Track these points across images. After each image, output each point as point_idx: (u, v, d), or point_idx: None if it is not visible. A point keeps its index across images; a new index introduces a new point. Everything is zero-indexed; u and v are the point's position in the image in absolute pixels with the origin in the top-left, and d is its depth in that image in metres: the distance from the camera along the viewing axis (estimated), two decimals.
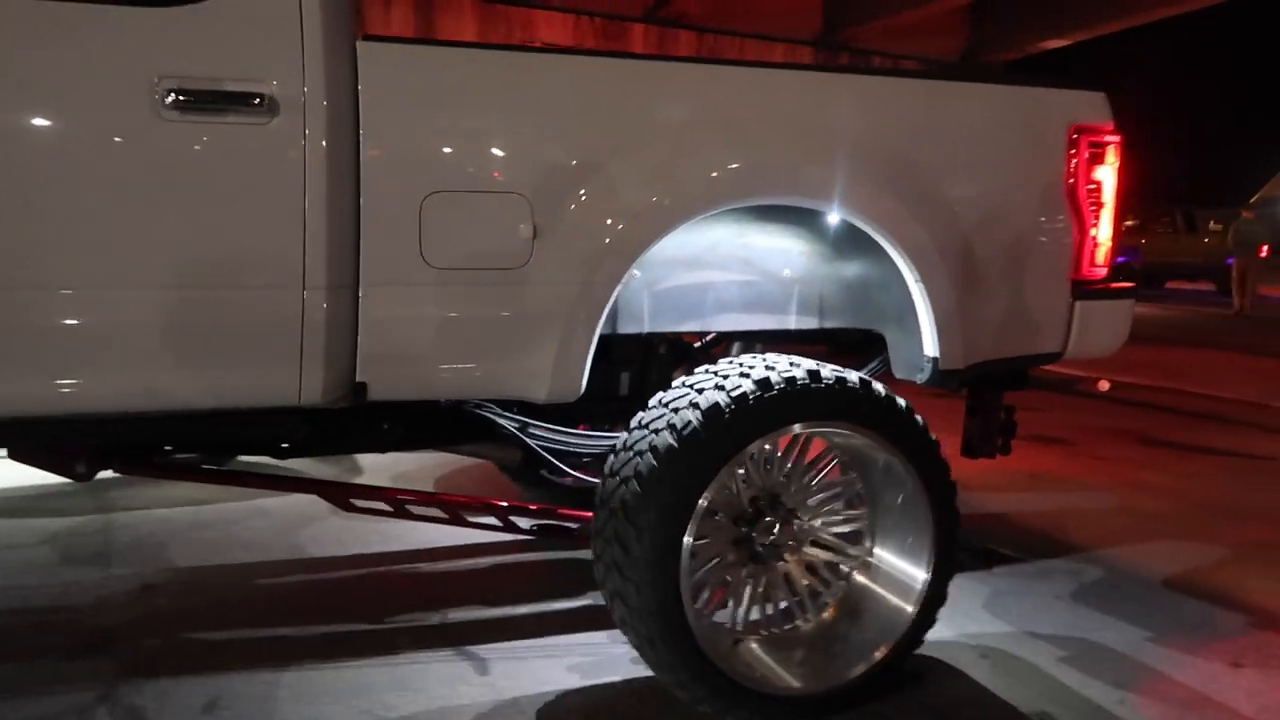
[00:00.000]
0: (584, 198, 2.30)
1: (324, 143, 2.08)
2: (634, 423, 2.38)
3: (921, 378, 2.78)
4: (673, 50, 15.04)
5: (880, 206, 2.57)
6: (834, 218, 2.63)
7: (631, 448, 2.30)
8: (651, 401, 2.40)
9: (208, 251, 2.07)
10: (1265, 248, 16.47)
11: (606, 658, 2.75)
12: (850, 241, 2.76)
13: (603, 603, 2.40)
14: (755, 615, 2.56)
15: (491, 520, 2.84)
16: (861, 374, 2.44)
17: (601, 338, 2.51)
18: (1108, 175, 2.85)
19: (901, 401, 2.44)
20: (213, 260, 2.08)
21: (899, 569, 2.58)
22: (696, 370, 2.42)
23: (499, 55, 2.35)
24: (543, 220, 2.27)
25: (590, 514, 2.47)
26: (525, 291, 2.28)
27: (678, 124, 2.45)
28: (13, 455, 2.48)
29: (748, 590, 2.51)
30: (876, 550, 2.63)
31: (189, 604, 3.08)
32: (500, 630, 2.93)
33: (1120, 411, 6.87)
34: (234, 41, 2.05)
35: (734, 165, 2.48)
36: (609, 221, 2.32)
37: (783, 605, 2.58)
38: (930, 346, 2.69)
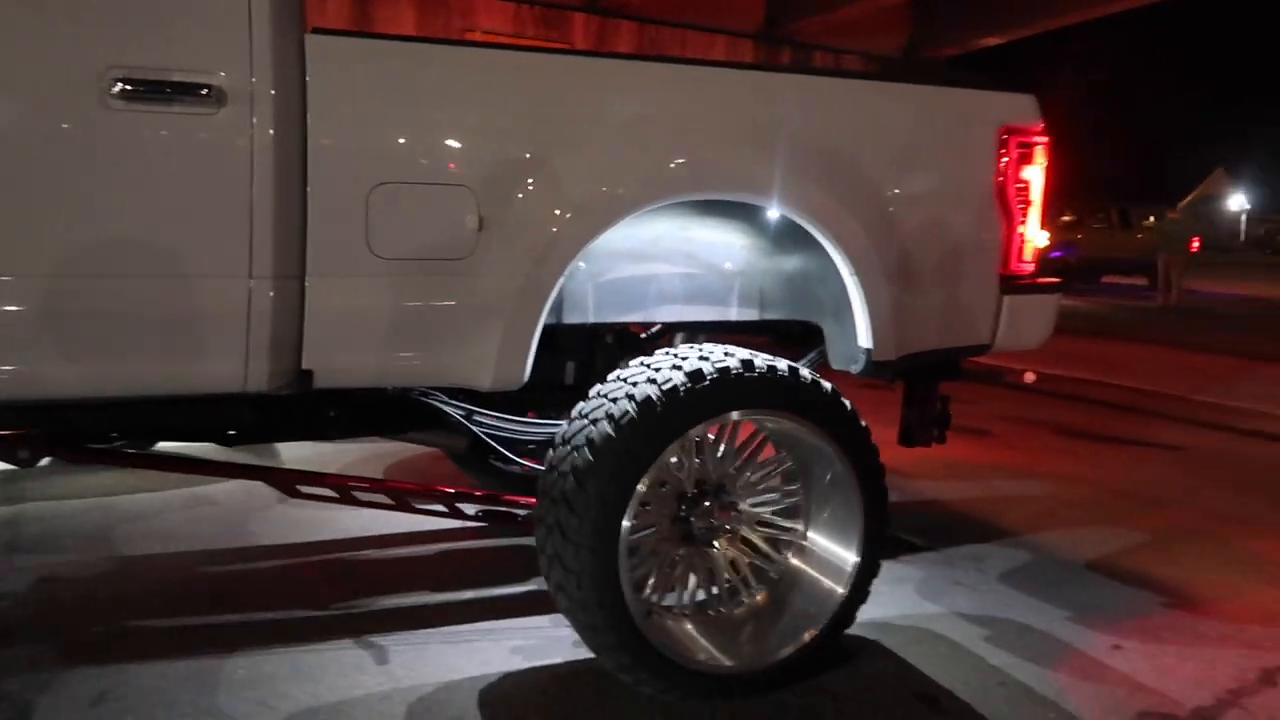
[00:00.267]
0: (529, 191, 2.36)
1: (271, 134, 2.12)
2: (574, 413, 2.44)
3: (856, 368, 2.88)
4: (613, 40, 15.01)
5: (817, 202, 2.65)
6: (773, 213, 2.71)
7: (570, 440, 2.36)
8: (591, 392, 2.46)
9: (154, 240, 2.09)
10: (1196, 241, 16.98)
11: (549, 641, 2.82)
12: (789, 236, 2.85)
13: (546, 587, 2.46)
14: (691, 597, 2.64)
15: (438, 506, 2.89)
16: (790, 362, 2.51)
17: (547, 327, 2.57)
18: (1036, 175, 2.97)
19: (829, 387, 2.53)
20: (159, 249, 2.10)
21: (831, 552, 2.68)
22: (630, 363, 2.48)
23: (447, 50, 2.40)
24: (488, 212, 2.32)
25: (534, 500, 2.53)
26: (470, 282, 2.33)
27: (622, 120, 2.51)
28: None
29: (685, 573, 2.60)
30: (810, 534, 2.73)
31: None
32: (443, 616, 2.98)
33: (1045, 403, 7.04)
34: (182, 32, 2.07)
35: (676, 161, 2.54)
36: (553, 214, 2.38)
37: (717, 588, 2.66)
38: (864, 338, 2.79)
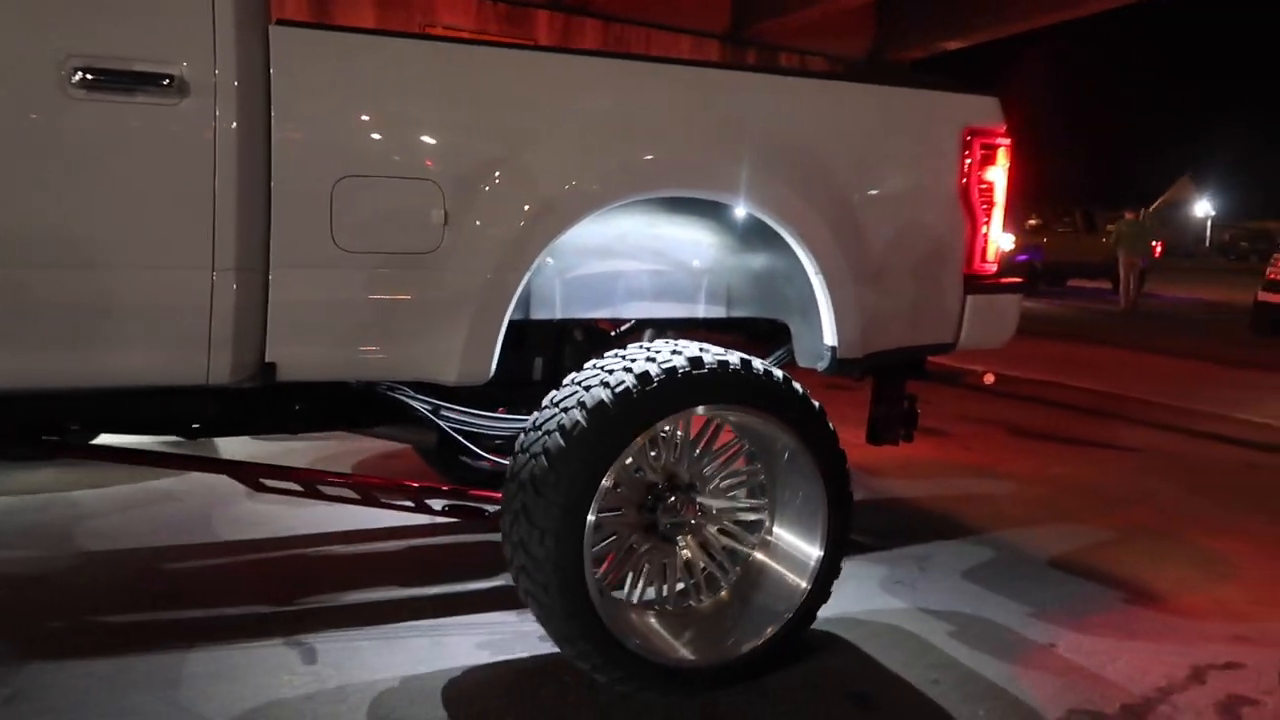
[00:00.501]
0: (495, 186, 2.36)
1: (234, 125, 2.11)
2: (542, 405, 2.45)
3: (822, 366, 2.91)
4: (578, 38, 14.83)
5: (783, 201, 2.67)
6: (740, 211, 2.73)
7: (529, 448, 2.36)
8: (548, 398, 2.46)
9: (115, 231, 2.08)
10: (1159, 246, 17.26)
11: (515, 635, 2.82)
12: (756, 234, 2.87)
13: (512, 581, 2.46)
14: (656, 591, 2.66)
15: (404, 501, 2.89)
16: (744, 357, 2.52)
17: (515, 323, 2.57)
18: (999, 176, 3.01)
19: (796, 384, 2.55)
20: (120, 240, 2.08)
21: (795, 546, 2.70)
22: (585, 366, 2.49)
23: (413, 44, 2.40)
24: (454, 207, 2.32)
25: (501, 495, 2.53)
26: (436, 276, 2.33)
27: (589, 116, 2.52)
28: None
29: (650, 566, 2.61)
30: (775, 529, 2.75)
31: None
32: (407, 611, 2.98)
33: (1003, 403, 7.09)
34: (145, 22, 2.06)
35: (643, 158, 2.56)
36: (520, 210, 2.39)
37: (682, 582, 2.68)
38: (830, 336, 2.82)
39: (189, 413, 2.53)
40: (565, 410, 2.34)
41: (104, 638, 2.72)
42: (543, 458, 2.30)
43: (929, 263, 2.96)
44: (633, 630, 2.50)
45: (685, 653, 2.54)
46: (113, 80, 2.01)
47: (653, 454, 2.56)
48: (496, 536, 2.49)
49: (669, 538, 2.60)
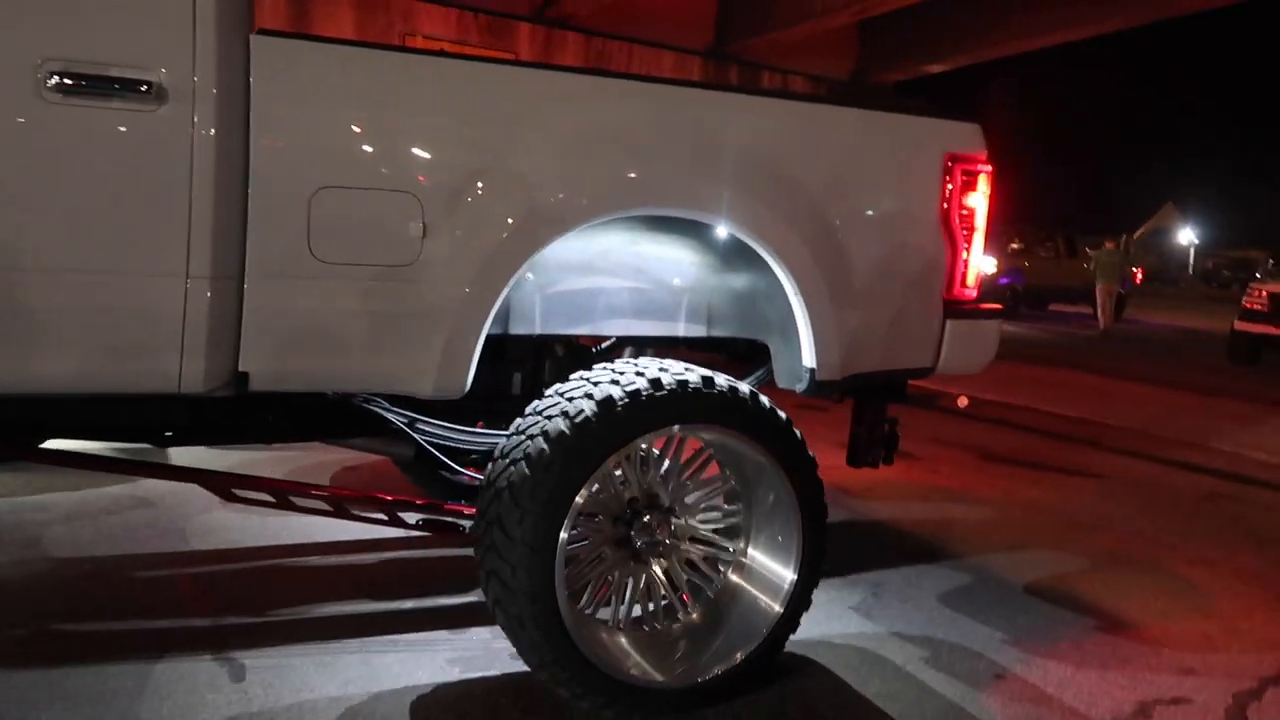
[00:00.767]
0: (475, 200, 2.36)
1: (212, 133, 2.09)
2: (512, 428, 2.44)
3: (800, 387, 2.91)
4: (559, 52, 14.72)
5: (764, 222, 2.68)
6: (722, 231, 2.73)
7: (508, 454, 2.36)
8: (514, 424, 2.45)
9: (89, 236, 2.05)
10: (1140, 273, 17.57)
11: (487, 653, 2.80)
12: (737, 254, 2.87)
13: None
14: (628, 612, 2.64)
15: (378, 514, 2.86)
16: (708, 373, 2.51)
17: (494, 337, 2.56)
18: (980, 202, 3.02)
19: (751, 395, 2.54)
20: (94, 245, 2.06)
21: (769, 569, 2.69)
22: (548, 390, 2.48)
23: (396, 56, 2.39)
24: (433, 220, 2.31)
25: (474, 509, 2.52)
26: (413, 289, 2.32)
27: (571, 133, 2.51)
28: None
29: (624, 587, 2.60)
30: (749, 550, 2.74)
31: None
32: (379, 625, 2.96)
33: (973, 427, 7.12)
34: (124, 27, 2.04)
35: (625, 175, 2.56)
36: (499, 224, 2.38)
37: (653, 604, 2.66)
38: (809, 358, 2.82)
39: (161, 421, 2.51)
40: (531, 439, 2.33)
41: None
42: (507, 493, 2.29)
43: (909, 287, 2.97)
44: (604, 650, 2.48)
45: (654, 673, 2.52)
46: (89, 85, 1.99)
47: (619, 474, 2.54)
48: (471, 551, 2.47)
49: (643, 558, 2.59)
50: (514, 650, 2.48)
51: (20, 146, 1.99)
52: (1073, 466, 5.96)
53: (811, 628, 3.04)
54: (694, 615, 2.72)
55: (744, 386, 2.55)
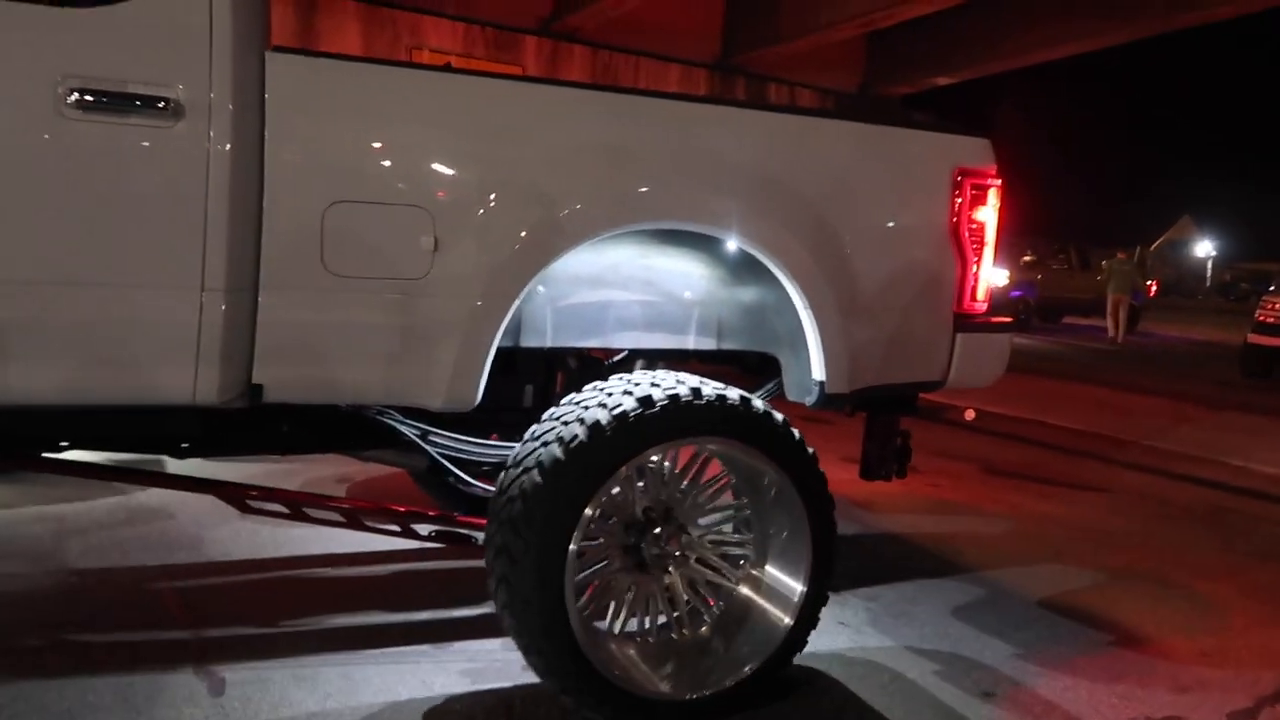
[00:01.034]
0: (486, 214, 2.38)
1: (228, 148, 2.12)
2: (526, 436, 2.45)
3: (810, 400, 2.91)
4: (566, 65, 14.69)
5: (773, 237, 2.69)
6: (731, 245, 2.75)
7: (521, 462, 2.37)
8: (528, 432, 2.46)
9: (106, 250, 2.09)
10: (1154, 285, 17.54)
11: (499, 664, 2.81)
12: (747, 268, 2.88)
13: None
14: (639, 624, 2.64)
15: (391, 526, 2.88)
16: (718, 386, 2.52)
17: (505, 350, 2.58)
18: (989, 216, 3.03)
19: (779, 416, 2.56)
20: (111, 258, 2.09)
21: (779, 581, 2.70)
22: (558, 404, 2.50)
23: (408, 72, 2.42)
24: (444, 234, 2.34)
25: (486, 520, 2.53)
26: (424, 302, 2.34)
27: (582, 148, 2.54)
28: None
29: (634, 599, 2.60)
30: (759, 563, 2.74)
31: None
32: (393, 636, 2.98)
33: (980, 440, 7.08)
34: (143, 45, 2.08)
35: (635, 190, 2.57)
36: (509, 238, 2.40)
37: (665, 615, 2.67)
38: (818, 371, 2.83)
39: (176, 432, 2.53)
40: (544, 446, 2.34)
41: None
42: (519, 500, 2.30)
43: (918, 300, 2.98)
44: (613, 660, 2.48)
45: (663, 686, 2.52)
46: (109, 101, 2.03)
47: (628, 486, 2.55)
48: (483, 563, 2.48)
49: (653, 570, 2.59)
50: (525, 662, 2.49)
51: (40, 162, 2.02)
52: (1081, 481, 5.93)
53: (821, 641, 3.04)
54: (703, 628, 2.72)
55: (756, 399, 2.56)
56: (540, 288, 2.75)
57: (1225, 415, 9.18)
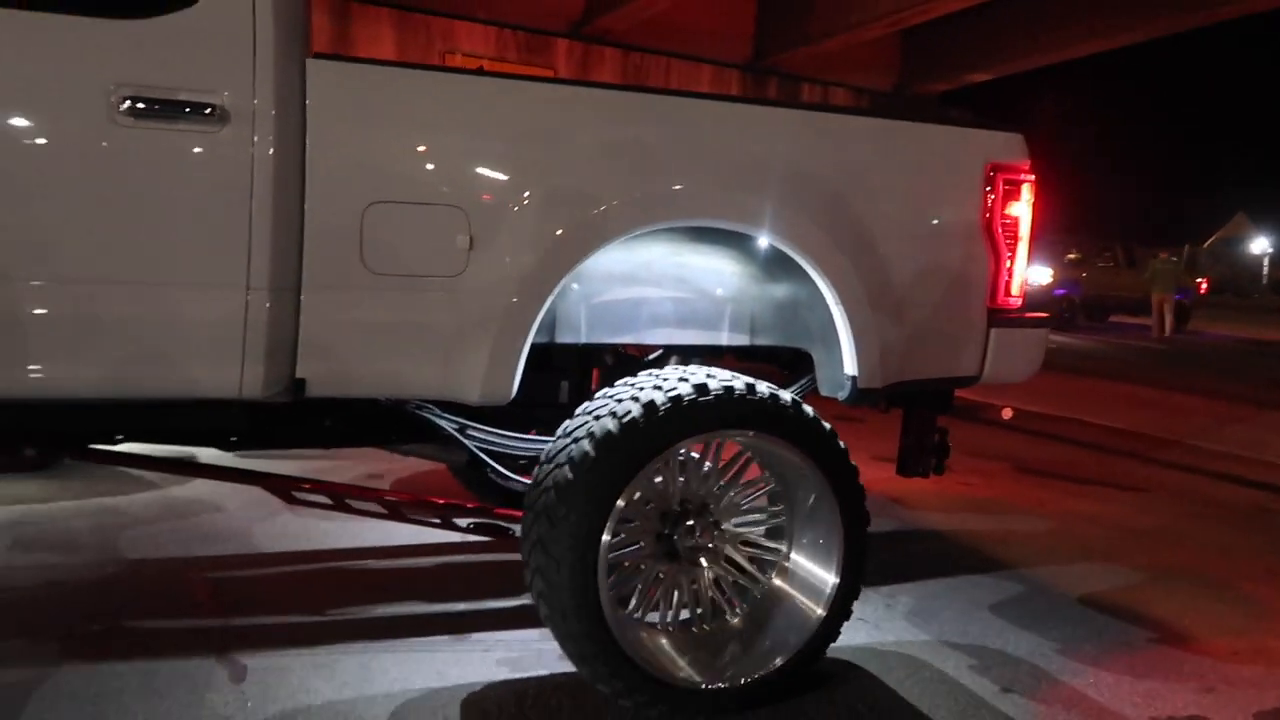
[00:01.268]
0: (520, 213, 2.44)
1: (271, 152, 2.21)
2: (559, 431, 2.51)
3: (843, 395, 2.93)
4: (597, 67, 14.70)
5: (805, 233, 2.72)
6: (763, 241, 2.78)
7: (554, 456, 2.42)
8: (561, 428, 2.51)
9: (156, 250, 2.19)
10: (1204, 283, 17.25)
11: (535, 653, 2.87)
12: (779, 264, 2.91)
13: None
14: (673, 614, 2.68)
15: (431, 518, 2.95)
16: (749, 381, 2.55)
17: (540, 346, 2.63)
18: (1023, 211, 3.02)
19: (809, 409, 2.58)
20: (161, 259, 2.19)
21: (811, 573, 2.72)
22: (596, 396, 2.55)
23: (443, 76, 2.50)
24: (480, 232, 2.40)
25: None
26: (460, 299, 2.41)
27: (615, 148, 2.59)
28: None
29: (667, 589, 2.64)
30: (792, 554, 2.77)
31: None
32: (433, 625, 3.05)
33: (1015, 438, 6.98)
34: (189, 55, 2.18)
35: (668, 188, 2.62)
36: (543, 236, 2.46)
37: (700, 606, 2.70)
38: (850, 366, 2.84)
39: (222, 424, 2.62)
40: (576, 441, 2.39)
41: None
42: (553, 491, 2.36)
43: (951, 296, 2.98)
44: (646, 649, 2.53)
45: (694, 674, 2.56)
46: (159, 109, 2.12)
47: (662, 478, 2.59)
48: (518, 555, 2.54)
49: (686, 561, 2.63)
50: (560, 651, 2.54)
51: (94, 167, 2.12)
52: (1119, 480, 5.85)
53: (857, 635, 3.05)
54: (737, 618, 2.75)
55: (786, 394, 2.58)
56: (574, 285, 2.81)
57: (1273, 415, 8.97)
